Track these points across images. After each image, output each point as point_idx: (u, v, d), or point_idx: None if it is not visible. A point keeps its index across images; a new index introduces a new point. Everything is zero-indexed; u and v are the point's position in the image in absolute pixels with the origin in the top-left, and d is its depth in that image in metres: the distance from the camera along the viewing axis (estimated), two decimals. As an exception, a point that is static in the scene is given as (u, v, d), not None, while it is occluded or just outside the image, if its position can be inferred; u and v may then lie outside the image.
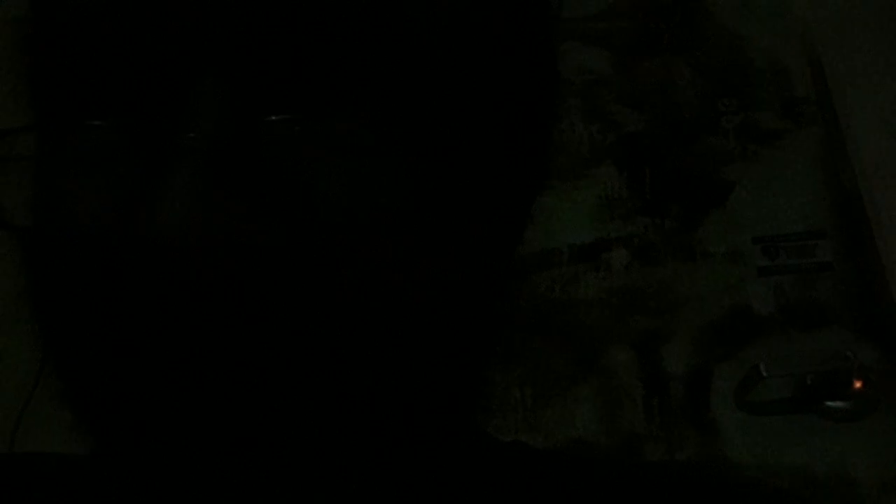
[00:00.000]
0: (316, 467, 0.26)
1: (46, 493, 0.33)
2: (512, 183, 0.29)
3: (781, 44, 1.14)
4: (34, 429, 0.90)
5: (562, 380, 1.02)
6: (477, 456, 0.33)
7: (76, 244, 0.25)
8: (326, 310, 0.24)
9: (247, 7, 0.23)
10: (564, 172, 1.06)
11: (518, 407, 1.00)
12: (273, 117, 0.24)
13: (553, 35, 0.30)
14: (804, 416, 0.97)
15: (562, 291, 1.05)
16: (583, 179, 1.09)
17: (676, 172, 1.10)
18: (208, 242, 0.23)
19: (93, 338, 0.25)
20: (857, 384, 0.95)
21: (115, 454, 0.26)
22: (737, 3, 1.17)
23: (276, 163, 0.24)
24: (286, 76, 0.24)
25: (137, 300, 0.24)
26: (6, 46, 0.26)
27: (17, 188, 0.26)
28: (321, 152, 0.24)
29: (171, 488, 0.24)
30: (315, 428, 0.25)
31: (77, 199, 0.25)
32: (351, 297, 0.24)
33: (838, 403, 0.96)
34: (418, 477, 0.29)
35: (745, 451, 0.97)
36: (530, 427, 0.99)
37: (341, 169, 0.24)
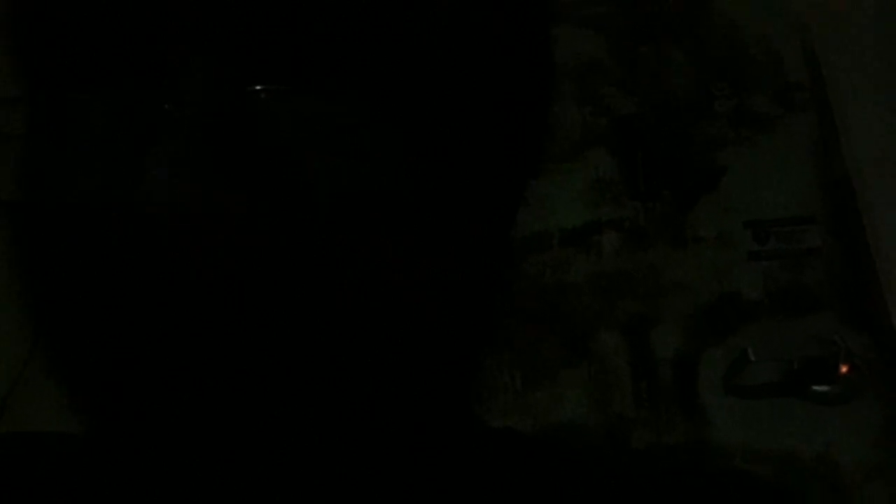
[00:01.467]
0: (310, 458, 0.25)
1: (40, 472, 0.33)
2: (505, 168, 0.29)
3: (776, 30, 1.14)
4: (25, 405, 0.90)
5: (551, 363, 1.02)
6: (467, 443, 0.33)
7: (66, 218, 0.24)
8: (317, 292, 0.24)
9: None
10: (556, 155, 1.06)
11: (507, 390, 1.01)
12: (261, 88, 0.24)
13: (548, 21, 0.30)
14: (791, 401, 0.98)
15: (552, 275, 1.05)
16: (574, 162, 1.09)
17: (668, 156, 1.10)
18: (197, 216, 0.23)
19: (83, 314, 0.25)
20: (844, 369, 0.95)
21: (111, 436, 0.26)
22: (731, -13, 1.16)
23: (264, 135, 0.24)
24: (276, 47, 0.24)
25: (127, 276, 0.23)
26: None
27: (3, 162, 0.26)
28: (310, 127, 0.24)
29: (170, 485, 0.24)
30: (309, 417, 0.25)
31: (66, 172, 0.24)
32: (343, 279, 0.24)
33: (825, 388, 0.97)
34: (412, 464, 0.29)
35: (732, 434, 0.98)
36: (519, 410, 0.99)
37: (331, 147, 0.24)
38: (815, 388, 0.97)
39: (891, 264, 0.99)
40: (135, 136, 0.23)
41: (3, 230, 0.26)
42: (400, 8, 0.25)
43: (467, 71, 0.26)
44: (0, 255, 0.26)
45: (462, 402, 0.32)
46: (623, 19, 1.16)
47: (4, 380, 0.92)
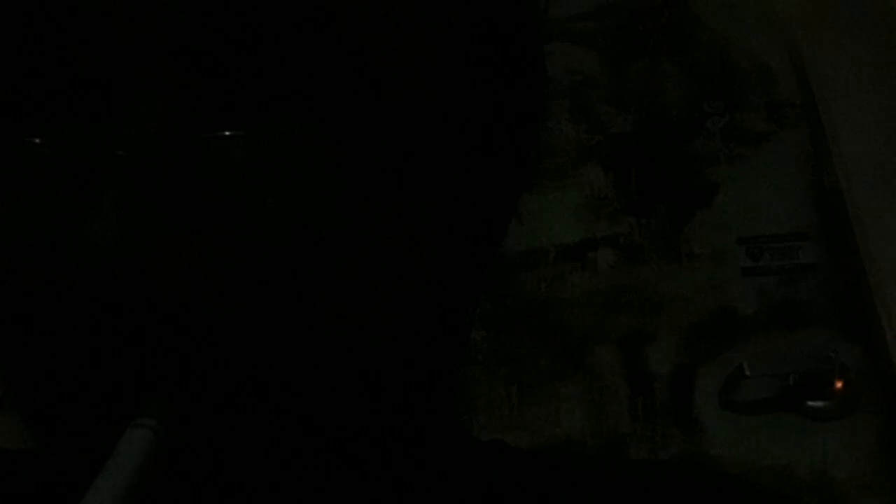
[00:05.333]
0: (294, 478, 0.25)
1: (10, 488, 0.33)
2: (494, 182, 0.28)
3: (766, 46, 1.15)
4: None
5: (547, 379, 1.02)
6: (456, 456, 0.33)
7: (10, 262, 0.24)
8: (300, 317, 0.24)
9: (184, 22, 0.23)
10: (551, 172, 1.06)
11: (504, 405, 1.01)
12: (211, 134, 0.23)
13: (539, 31, 0.29)
14: (786, 416, 0.98)
15: (547, 291, 1.06)
16: (569, 179, 1.10)
17: (662, 173, 1.11)
18: (139, 261, 0.22)
19: (36, 359, 0.25)
20: (839, 384, 0.96)
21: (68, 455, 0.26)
22: (723, 6, 1.17)
23: (214, 181, 0.23)
24: (226, 91, 0.23)
25: (76, 323, 0.23)
26: None
27: None
28: (271, 168, 0.23)
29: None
30: (292, 435, 0.25)
31: (10, 217, 0.24)
32: (328, 303, 0.24)
33: (820, 403, 0.97)
34: (397, 478, 0.29)
35: (728, 449, 0.98)
36: (516, 426, 0.99)
37: (291, 183, 0.23)
38: (811, 403, 0.97)
39: (884, 279, 0.99)
40: (83, 181, 0.23)
41: None
42: (384, 26, 0.24)
43: (455, 89, 0.26)
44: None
45: (445, 416, 0.32)
46: (617, 36, 1.17)
47: None
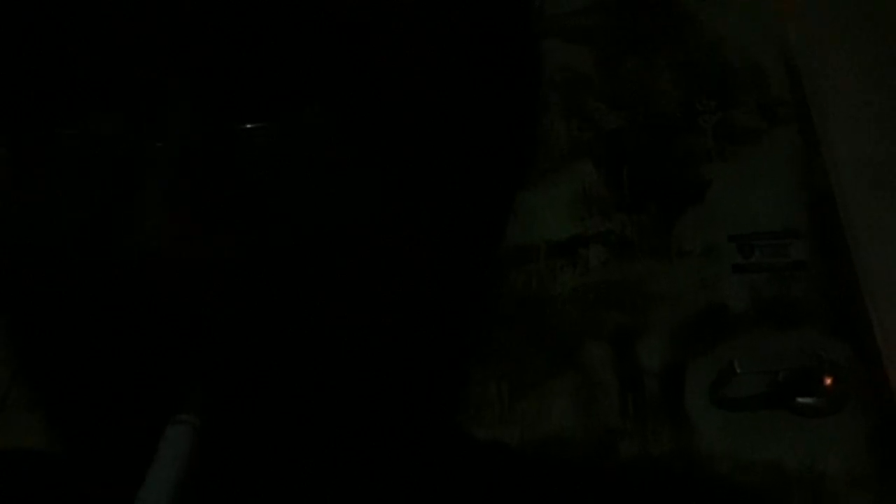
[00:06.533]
0: (295, 472, 0.25)
1: (19, 489, 0.33)
2: (493, 180, 0.29)
3: (759, 45, 1.15)
4: (7, 434, 0.89)
5: (538, 375, 1.02)
6: (454, 455, 0.33)
7: (45, 255, 0.24)
8: (305, 316, 0.24)
9: (219, 14, 0.23)
10: (542, 168, 1.07)
11: (494, 402, 1.01)
12: (248, 125, 0.23)
13: (535, 30, 0.30)
14: (776, 412, 0.98)
15: (538, 287, 1.06)
16: (561, 175, 1.10)
17: (654, 170, 1.11)
18: (180, 252, 0.22)
19: (63, 349, 0.24)
20: (828, 381, 0.96)
21: (88, 457, 0.26)
22: (715, 4, 1.18)
23: (250, 172, 0.23)
24: (261, 83, 0.23)
25: (107, 312, 0.23)
26: None
27: None
28: (294, 159, 0.24)
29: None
30: (296, 430, 0.25)
31: (47, 208, 0.24)
32: (331, 302, 0.24)
33: (809, 400, 0.97)
34: (394, 477, 0.29)
35: (718, 446, 0.98)
36: (506, 422, 0.99)
37: (317, 176, 0.24)
38: (801, 400, 0.97)
39: (873, 276, 1.00)
40: (119, 173, 0.23)
41: None
42: (381, 28, 0.24)
43: (455, 88, 0.26)
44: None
45: (448, 412, 0.32)
46: (610, 33, 1.17)
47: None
